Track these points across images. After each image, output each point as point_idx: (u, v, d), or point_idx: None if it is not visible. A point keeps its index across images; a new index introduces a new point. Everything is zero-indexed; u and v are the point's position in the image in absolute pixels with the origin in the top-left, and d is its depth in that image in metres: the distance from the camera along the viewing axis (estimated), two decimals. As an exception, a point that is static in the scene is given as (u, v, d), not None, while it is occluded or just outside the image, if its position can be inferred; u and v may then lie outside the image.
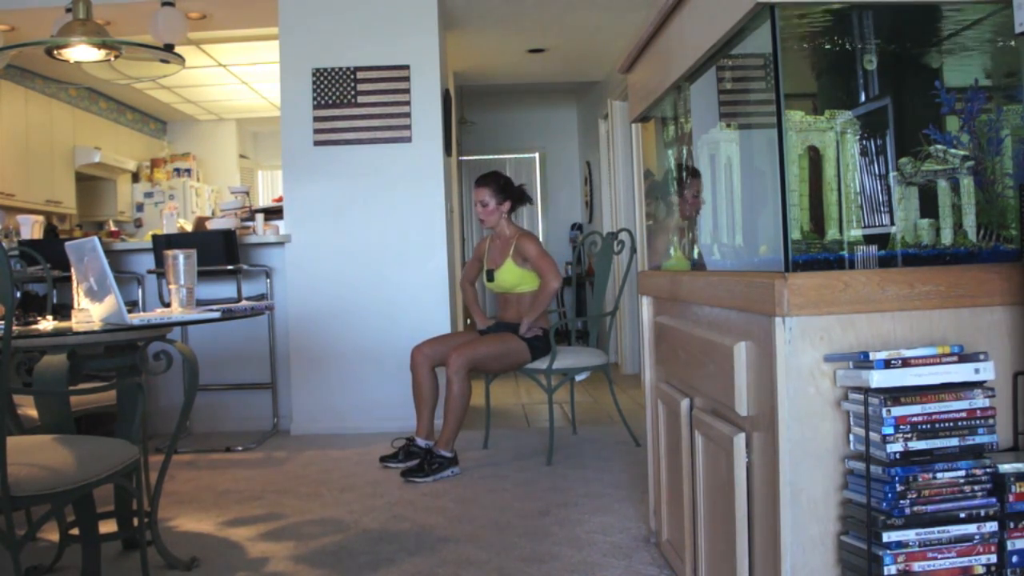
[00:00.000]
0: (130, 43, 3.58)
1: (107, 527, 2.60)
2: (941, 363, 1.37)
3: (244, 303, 3.65)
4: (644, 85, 2.48)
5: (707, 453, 1.89)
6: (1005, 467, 1.36)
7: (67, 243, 2.59)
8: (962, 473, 1.35)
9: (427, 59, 4.76)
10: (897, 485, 1.33)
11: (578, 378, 4.06)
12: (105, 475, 2.04)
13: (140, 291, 4.81)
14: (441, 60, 4.92)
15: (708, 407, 1.93)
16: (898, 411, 1.34)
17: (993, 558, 1.35)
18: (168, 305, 2.98)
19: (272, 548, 2.77)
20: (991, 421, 1.37)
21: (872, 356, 1.37)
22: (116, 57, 3.54)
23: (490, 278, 4.07)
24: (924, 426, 1.35)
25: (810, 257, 1.54)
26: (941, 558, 1.34)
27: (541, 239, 8.89)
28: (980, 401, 1.37)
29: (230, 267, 4.42)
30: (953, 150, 1.60)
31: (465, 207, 8.62)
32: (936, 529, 1.34)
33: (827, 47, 1.70)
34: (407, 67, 4.74)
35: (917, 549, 1.33)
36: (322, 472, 3.80)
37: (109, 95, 7.73)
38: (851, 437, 1.44)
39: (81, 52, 3.44)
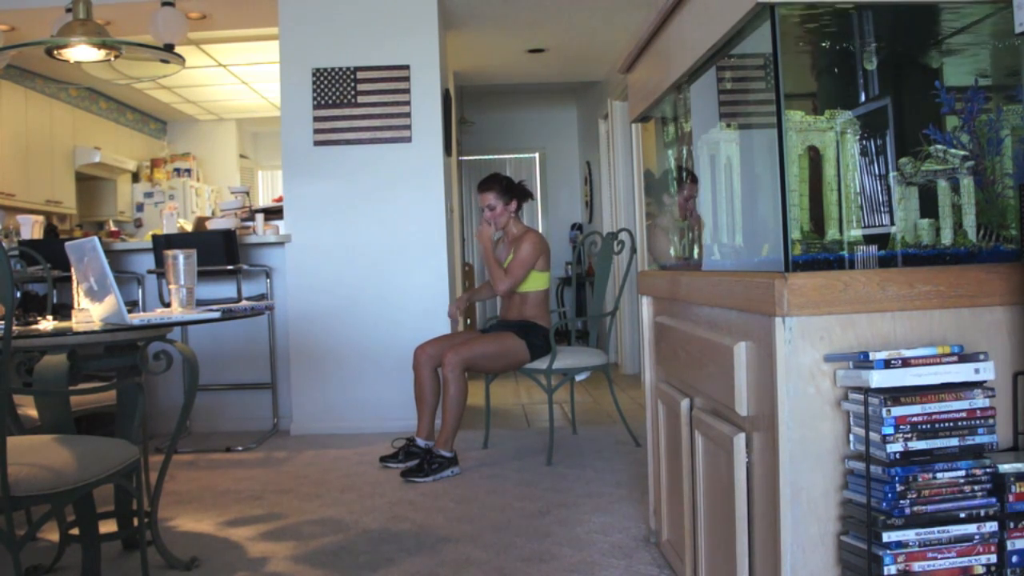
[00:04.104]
0: (130, 43, 3.58)
1: (107, 527, 2.60)
2: (941, 363, 1.37)
3: (244, 303, 3.65)
4: (644, 85, 2.48)
5: (707, 453, 1.89)
6: (1005, 467, 1.35)
7: (67, 243, 2.59)
8: (962, 473, 1.35)
9: (427, 59, 4.76)
10: (897, 485, 1.33)
11: (578, 378, 4.06)
12: (105, 475, 2.04)
13: (140, 291, 4.81)
14: (441, 60, 4.92)
15: (708, 407, 1.93)
16: (898, 411, 1.34)
17: (993, 558, 1.35)
18: (168, 305, 2.98)
19: (272, 548, 2.77)
20: (991, 421, 1.37)
21: (872, 356, 1.37)
22: (116, 57, 3.54)
23: (492, 277, 4.07)
24: (924, 426, 1.35)
25: (810, 257, 1.54)
26: (941, 558, 1.34)
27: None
28: (980, 401, 1.37)
29: (230, 267, 4.42)
30: (953, 150, 1.60)
31: (465, 207, 8.62)
32: (936, 529, 1.34)
33: (827, 47, 1.70)
34: (407, 67, 4.74)
35: (917, 549, 1.33)
36: (322, 472, 3.80)
37: (109, 95, 7.73)
38: (851, 437, 1.44)
39: (81, 52, 3.44)
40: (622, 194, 6.58)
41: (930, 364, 1.37)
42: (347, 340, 4.72)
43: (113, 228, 7.03)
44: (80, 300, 2.57)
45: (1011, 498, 1.35)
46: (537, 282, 3.99)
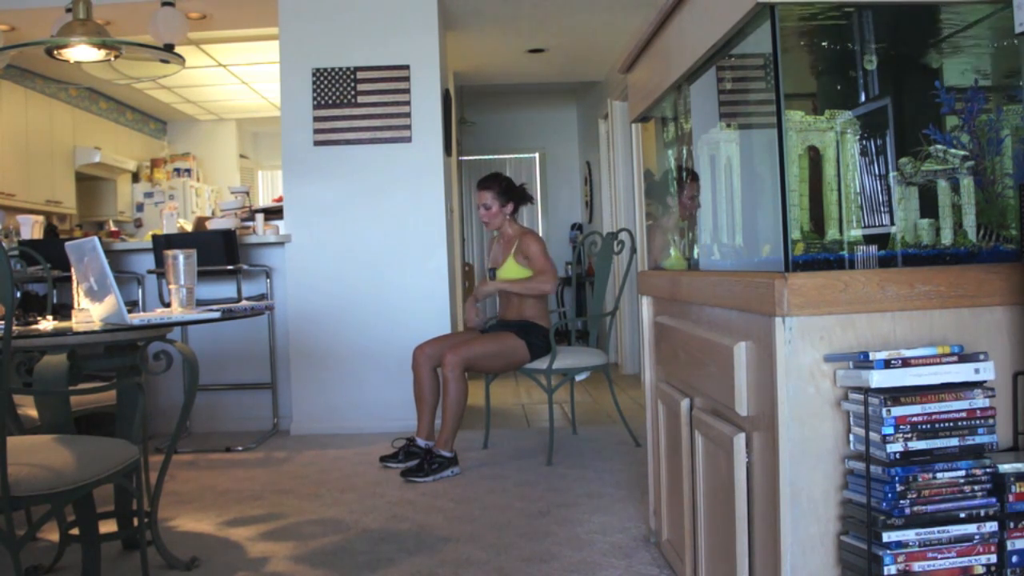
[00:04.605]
0: (130, 43, 3.58)
1: (107, 527, 2.60)
2: (941, 363, 1.37)
3: (244, 303, 3.65)
4: (644, 85, 2.48)
5: (707, 453, 1.89)
6: (1005, 467, 1.35)
7: (67, 243, 2.59)
8: (962, 473, 1.35)
9: (427, 59, 4.76)
10: (897, 485, 1.33)
11: (578, 378, 4.06)
12: (105, 475, 2.04)
13: (140, 291, 4.81)
14: (441, 60, 4.92)
15: (708, 407, 1.93)
16: (898, 411, 1.34)
17: (993, 558, 1.35)
18: (168, 305, 2.99)
19: (272, 548, 2.77)
20: (991, 421, 1.37)
21: (872, 356, 1.37)
22: (116, 57, 3.54)
23: (492, 276, 4.07)
24: (924, 426, 1.35)
25: (810, 257, 1.54)
26: (941, 558, 1.34)
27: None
28: (980, 401, 1.37)
29: (230, 267, 4.42)
30: (953, 150, 1.60)
31: (465, 207, 8.62)
32: (936, 529, 1.34)
33: (827, 47, 1.70)
34: (407, 67, 4.74)
35: (917, 549, 1.33)
36: (322, 472, 3.80)
37: (109, 95, 7.73)
38: (851, 437, 1.44)
39: (81, 52, 3.44)
40: (622, 194, 6.58)
41: (930, 364, 1.37)
42: (347, 340, 4.72)
43: (113, 228, 7.03)
44: (80, 300, 2.57)
45: (1011, 498, 1.35)
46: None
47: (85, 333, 2.31)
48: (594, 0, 5.20)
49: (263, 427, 4.84)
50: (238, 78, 7.50)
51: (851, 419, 1.44)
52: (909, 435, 1.34)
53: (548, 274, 3.89)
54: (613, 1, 5.20)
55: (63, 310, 3.41)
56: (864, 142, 1.62)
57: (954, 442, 1.36)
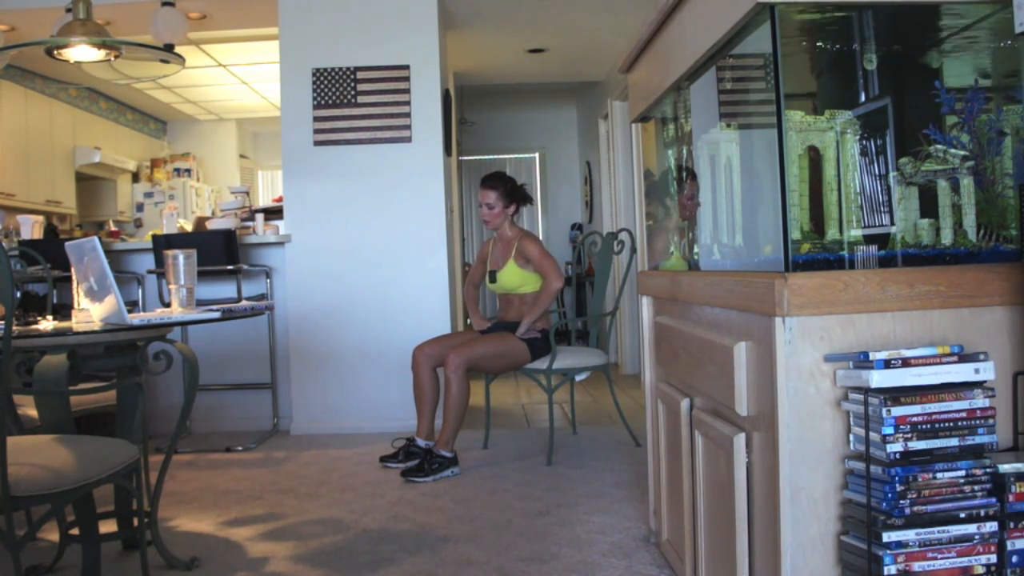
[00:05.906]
0: (130, 43, 3.58)
1: (107, 527, 2.60)
2: (941, 363, 1.37)
3: (244, 303, 3.65)
4: (644, 85, 2.48)
5: (707, 453, 1.89)
6: (1005, 467, 1.35)
7: (67, 243, 2.59)
8: (962, 473, 1.35)
9: (427, 59, 4.76)
10: (897, 485, 1.33)
11: (578, 378, 4.06)
12: (105, 475, 2.04)
13: (140, 291, 4.81)
14: (441, 60, 4.92)
15: (708, 407, 1.93)
16: (898, 411, 1.34)
17: (993, 558, 1.35)
18: (168, 305, 2.99)
19: (272, 548, 2.77)
20: (991, 421, 1.37)
21: (872, 356, 1.37)
22: (116, 57, 3.54)
23: (492, 279, 4.07)
24: (924, 426, 1.35)
25: (810, 257, 1.54)
26: (941, 558, 1.34)
27: (541, 239, 8.90)
28: (980, 401, 1.37)
29: (230, 267, 4.42)
30: (953, 150, 1.60)
31: (465, 207, 8.62)
32: (936, 529, 1.34)
33: (827, 47, 1.70)
34: (407, 67, 4.74)
35: (917, 549, 1.33)
36: (322, 472, 3.80)
37: (109, 95, 7.73)
38: (851, 437, 1.44)
39: (81, 52, 3.44)
40: (622, 194, 6.58)
41: (930, 364, 1.37)
42: (347, 340, 4.72)
43: (113, 228, 7.03)
44: (80, 300, 2.57)
45: (1011, 498, 1.35)
46: (535, 282, 3.99)
47: (85, 333, 2.31)
48: (594, 0, 5.20)
49: (263, 427, 4.84)
50: (238, 78, 7.50)
51: (851, 419, 1.44)
52: (909, 435, 1.34)
53: (552, 272, 3.90)
54: (613, 1, 5.20)
55: (63, 310, 3.41)
56: (864, 142, 1.62)
57: (954, 442, 1.36)
